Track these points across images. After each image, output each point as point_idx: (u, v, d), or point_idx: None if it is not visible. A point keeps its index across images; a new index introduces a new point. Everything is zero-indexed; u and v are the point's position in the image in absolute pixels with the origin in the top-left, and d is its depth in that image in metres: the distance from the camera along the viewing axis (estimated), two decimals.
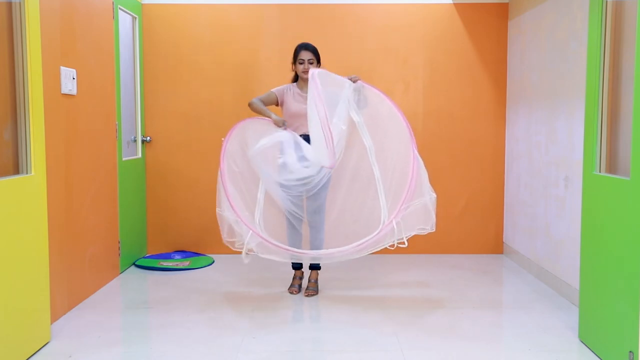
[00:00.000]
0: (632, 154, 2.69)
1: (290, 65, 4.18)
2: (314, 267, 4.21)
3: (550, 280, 4.28)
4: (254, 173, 3.95)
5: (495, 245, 5.41)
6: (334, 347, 3.26)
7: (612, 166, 3.11)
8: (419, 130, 5.31)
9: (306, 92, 4.08)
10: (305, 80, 4.08)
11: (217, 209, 3.82)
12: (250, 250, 3.72)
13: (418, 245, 5.38)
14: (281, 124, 4.01)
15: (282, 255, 3.82)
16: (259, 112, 4.11)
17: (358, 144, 3.99)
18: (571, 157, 3.96)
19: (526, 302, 3.99)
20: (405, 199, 3.69)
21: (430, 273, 4.75)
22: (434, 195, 3.76)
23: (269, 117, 4.06)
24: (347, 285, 4.37)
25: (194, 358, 3.05)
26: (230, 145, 3.94)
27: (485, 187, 5.37)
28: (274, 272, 4.71)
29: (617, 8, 3.07)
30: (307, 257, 3.94)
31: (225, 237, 3.80)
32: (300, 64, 4.09)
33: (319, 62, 4.12)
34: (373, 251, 3.77)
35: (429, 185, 3.78)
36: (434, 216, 3.73)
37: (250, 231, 3.66)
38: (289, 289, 4.20)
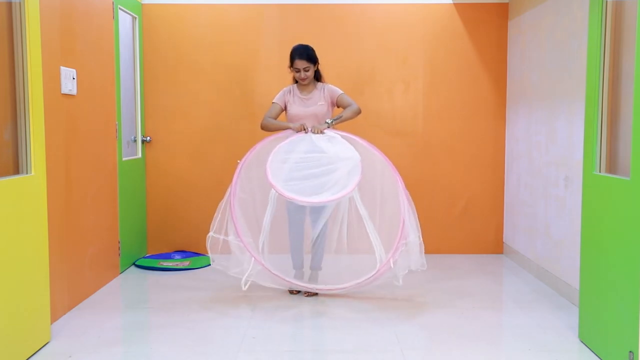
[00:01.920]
0: (632, 154, 2.69)
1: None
2: (315, 268, 4.21)
3: (550, 280, 4.28)
4: (264, 197, 3.90)
5: (495, 245, 5.41)
6: (334, 347, 3.26)
7: (612, 166, 3.11)
8: (419, 130, 5.32)
9: (305, 95, 4.10)
10: (304, 85, 4.12)
11: (211, 232, 3.83)
12: (248, 280, 3.81)
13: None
14: (302, 128, 3.96)
15: (282, 284, 3.99)
16: (275, 129, 4.08)
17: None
18: (571, 157, 3.96)
19: (526, 302, 3.99)
20: (401, 237, 3.76)
21: (430, 273, 4.74)
22: (419, 232, 3.83)
23: (287, 128, 4.03)
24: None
25: (194, 358, 3.05)
26: (246, 168, 3.92)
27: (485, 187, 5.37)
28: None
29: (617, 8, 3.07)
30: (307, 288, 4.05)
31: (216, 262, 3.86)
32: (297, 72, 4.07)
33: (315, 63, 4.09)
34: (371, 286, 4.02)
35: (417, 223, 3.85)
36: (421, 253, 3.82)
37: (253, 259, 3.73)
38: (289, 289, 4.20)
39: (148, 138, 5.23)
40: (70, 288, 3.77)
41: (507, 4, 5.23)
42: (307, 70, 4.05)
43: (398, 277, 3.81)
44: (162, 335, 3.39)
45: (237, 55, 5.24)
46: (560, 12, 4.13)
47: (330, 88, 4.17)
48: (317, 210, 4.00)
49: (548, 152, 4.36)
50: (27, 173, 3.07)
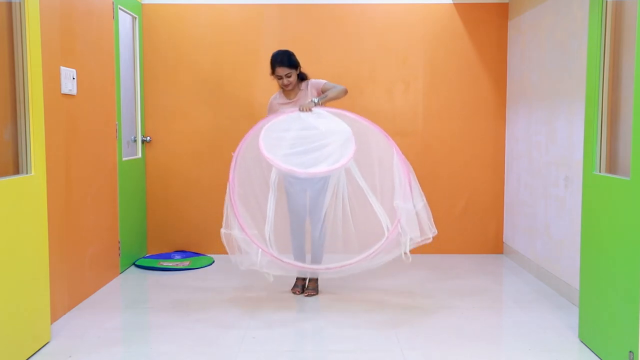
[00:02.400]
0: (632, 154, 2.69)
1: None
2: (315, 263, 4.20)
3: (550, 280, 4.28)
4: (265, 186, 3.87)
5: (495, 245, 5.41)
6: (334, 347, 3.26)
7: (612, 166, 3.11)
8: (419, 130, 5.32)
9: (293, 98, 4.11)
10: (288, 92, 4.12)
11: (222, 229, 3.69)
12: (264, 269, 3.68)
13: (418, 245, 5.39)
14: (306, 108, 3.88)
15: (293, 271, 3.89)
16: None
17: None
18: (571, 157, 3.96)
19: (526, 302, 3.99)
20: (406, 199, 3.66)
21: (430, 273, 4.74)
22: (425, 201, 3.74)
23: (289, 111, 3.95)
24: (347, 285, 4.37)
25: (194, 358, 3.05)
26: (241, 158, 3.85)
27: (485, 187, 5.37)
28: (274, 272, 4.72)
29: (617, 8, 3.07)
30: (317, 272, 3.99)
31: (234, 258, 3.71)
32: (279, 79, 4.05)
33: (297, 68, 4.05)
34: (382, 263, 3.71)
35: (421, 191, 3.76)
36: (431, 222, 3.70)
37: (260, 250, 3.63)
38: (292, 289, 4.21)
39: (148, 138, 5.23)
40: (70, 288, 3.77)
41: (507, 4, 5.23)
42: (290, 76, 4.01)
43: (407, 247, 3.62)
44: (162, 335, 3.39)
45: (237, 55, 5.24)
46: (560, 12, 4.13)
47: (313, 82, 4.12)
48: (316, 197, 3.96)
49: (548, 152, 4.36)
50: (27, 173, 3.07)
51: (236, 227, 3.65)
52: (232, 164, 3.79)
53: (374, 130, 3.88)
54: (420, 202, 3.70)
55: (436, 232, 3.70)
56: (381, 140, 3.87)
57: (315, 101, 3.95)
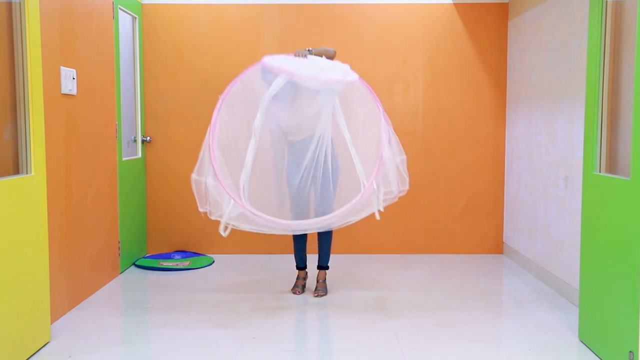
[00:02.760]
0: (632, 154, 2.69)
1: None
2: (322, 267, 4.20)
3: (550, 280, 4.28)
4: (248, 134, 3.69)
5: (495, 245, 5.41)
6: (333, 347, 3.27)
7: (612, 166, 3.11)
8: (419, 130, 5.32)
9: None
10: None
11: (193, 174, 3.57)
12: (227, 224, 3.55)
13: (418, 245, 5.39)
14: (301, 54, 3.83)
15: (263, 227, 3.66)
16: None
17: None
18: (571, 157, 3.96)
19: (526, 302, 3.99)
20: (381, 160, 3.68)
21: (430, 273, 4.74)
22: (404, 156, 3.80)
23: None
24: (346, 285, 4.37)
25: (194, 358, 3.05)
26: (228, 102, 3.70)
27: (485, 187, 5.37)
28: (274, 272, 4.72)
29: (617, 8, 3.07)
30: (290, 228, 3.78)
31: (201, 206, 3.58)
32: None
33: None
34: (357, 219, 3.76)
35: (400, 146, 3.81)
36: (407, 177, 3.78)
37: (232, 201, 3.47)
38: (292, 290, 4.20)
39: (148, 138, 5.23)
40: (70, 288, 3.77)
41: (507, 4, 5.23)
42: None
43: (380, 204, 3.67)
44: (162, 335, 3.39)
45: (237, 55, 5.24)
46: (560, 12, 4.13)
47: None
48: (324, 190, 3.89)
49: (548, 152, 4.36)
50: (27, 173, 3.07)
51: (210, 175, 3.51)
52: (217, 106, 3.66)
53: (360, 85, 3.86)
54: (399, 156, 3.78)
55: (407, 187, 3.81)
56: (366, 95, 3.85)
57: (310, 49, 3.91)
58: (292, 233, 3.95)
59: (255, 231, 3.71)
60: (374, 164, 3.73)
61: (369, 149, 3.81)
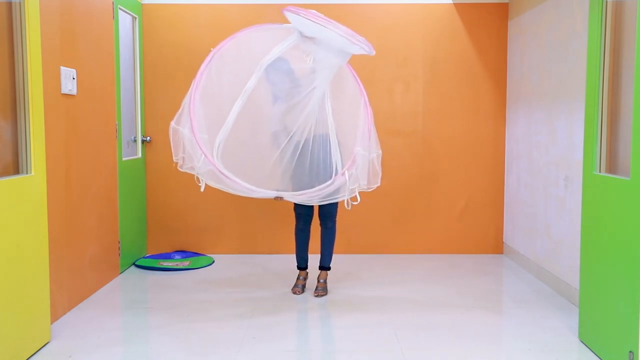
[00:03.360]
0: (632, 154, 2.69)
1: None
2: (324, 268, 4.20)
3: (550, 280, 4.28)
4: (237, 89, 3.61)
5: (495, 245, 5.41)
6: (333, 347, 3.27)
7: (612, 166, 3.11)
8: (419, 130, 5.32)
9: None
10: None
11: (172, 122, 3.55)
12: (199, 179, 3.52)
13: (418, 245, 5.39)
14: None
15: (230, 187, 3.57)
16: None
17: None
18: (571, 157, 3.96)
19: (526, 302, 3.99)
20: (357, 146, 3.64)
21: (430, 273, 4.74)
22: (380, 152, 3.78)
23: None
24: (346, 285, 4.37)
25: (194, 358, 3.05)
26: (219, 56, 3.63)
27: (485, 187, 5.37)
28: (274, 272, 4.72)
29: (617, 8, 3.07)
30: (260, 195, 3.68)
31: (175, 155, 3.56)
32: None
33: None
34: (332, 200, 3.72)
35: (377, 141, 3.77)
36: (380, 173, 3.75)
37: (203, 156, 3.41)
38: (292, 290, 4.20)
39: (148, 138, 5.23)
40: (70, 288, 3.77)
41: (507, 4, 5.23)
42: None
43: (353, 192, 3.62)
44: (162, 335, 3.39)
45: None
46: (560, 12, 4.13)
47: None
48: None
49: (548, 152, 4.36)
50: (27, 173, 3.07)
51: (187, 126, 3.46)
52: (207, 58, 3.59)
53: (348, 72, 3.84)
54: (375, 152, 3.74)
55: (379, 184, 3.76)
56: (352, 83, 3.84)
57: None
58: (257, 197, 3.78)
59: (226, 191, 3.62)
60: (351, 154, 3.69)
61: (350, 139, 3.76)
